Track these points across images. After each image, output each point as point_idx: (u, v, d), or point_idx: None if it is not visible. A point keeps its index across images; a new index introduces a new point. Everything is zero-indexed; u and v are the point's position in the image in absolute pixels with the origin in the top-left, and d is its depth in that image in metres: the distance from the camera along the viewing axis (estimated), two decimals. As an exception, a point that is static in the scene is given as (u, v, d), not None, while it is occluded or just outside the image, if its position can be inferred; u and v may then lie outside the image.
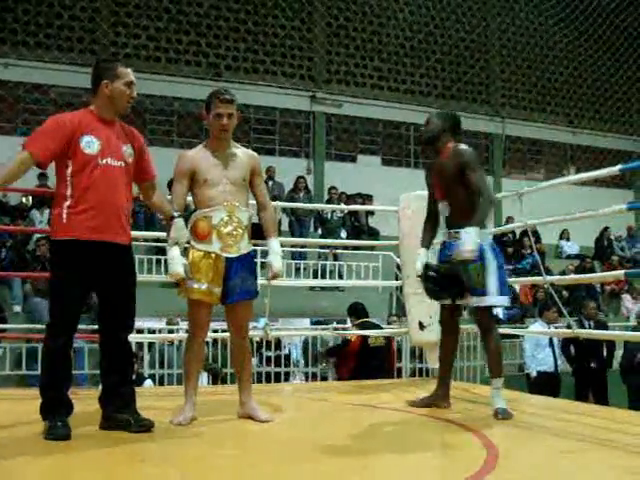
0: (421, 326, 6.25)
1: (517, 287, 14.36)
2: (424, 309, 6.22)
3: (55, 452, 3.36)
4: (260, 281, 4.54)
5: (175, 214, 4.09)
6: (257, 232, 4.36)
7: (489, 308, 4.65)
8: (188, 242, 4.20)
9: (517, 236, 16.80)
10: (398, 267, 7.76)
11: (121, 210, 3.81)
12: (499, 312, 13.39)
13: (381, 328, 8.62)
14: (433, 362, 6.40)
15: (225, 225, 4.15)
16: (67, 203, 3.72)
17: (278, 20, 17.33)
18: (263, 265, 4.70)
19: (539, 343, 10.11)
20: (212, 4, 16.81)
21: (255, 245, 4.41)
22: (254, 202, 4.48)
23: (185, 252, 4.16)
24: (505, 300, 4.70)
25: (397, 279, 9.60)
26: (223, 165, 4.22)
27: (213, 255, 4.15)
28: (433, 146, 4.81)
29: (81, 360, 9.02)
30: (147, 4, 16.25)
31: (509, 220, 15.59)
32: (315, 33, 17.73)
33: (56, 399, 3.71)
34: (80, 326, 4.00)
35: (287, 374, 10.01)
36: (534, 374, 10.11)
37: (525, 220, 5.58)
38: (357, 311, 8.55)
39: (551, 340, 9.95)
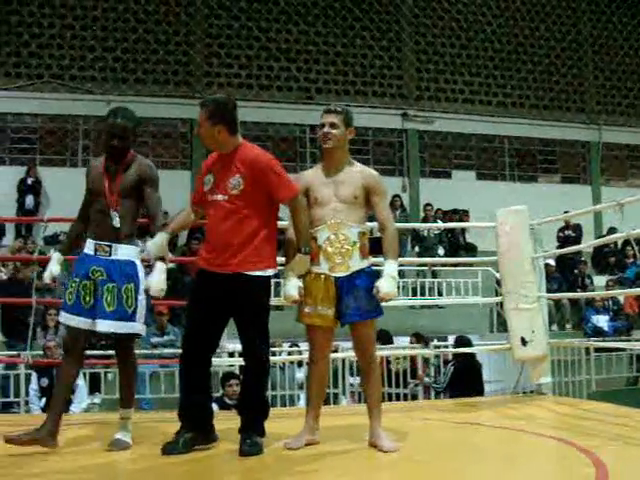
0: (523, 342, 6.18)
1: (621, 298, 14.00)
2: (526, 324, 6.17)
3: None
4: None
5: (303, 250, 4.00)
6: (375, 247, 4.17)
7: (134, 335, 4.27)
8: None
9: (619, 245, 16.40)
10: (498, 282, 7.72)
11: (227, 242, 3.92)
12: (604, 325, 13.11)
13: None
14: (536, 378, 6.33)
15: (331, 244, 4.04)
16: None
17: (366, 41, 17.48)
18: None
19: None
20: (301, 30, 17.09)
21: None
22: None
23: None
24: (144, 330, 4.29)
25: (497, 294, 9.53)
26: (334, 183, 4.13)
27: (323, 276, 4.04)
28: None
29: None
30: (238, 34, 16.65)
31: (611, 231, 15.23)
32: (404, 52, 17.79)
33: (180, 410, 4.02)
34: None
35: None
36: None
37: (628, 230, 5.42)
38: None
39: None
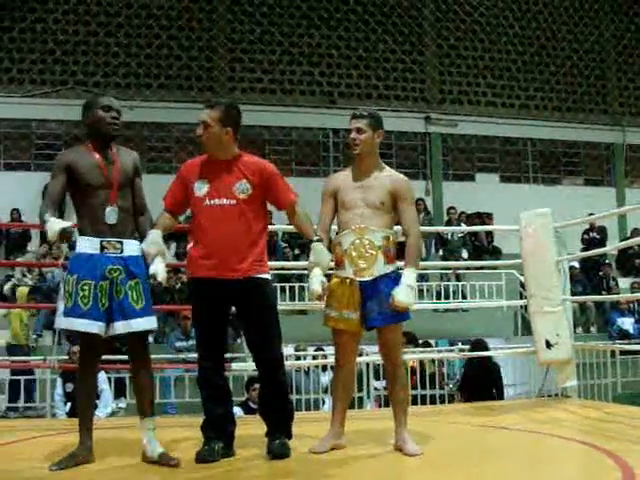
0: (548, 344, 6.15)
1: (647, 300, 13.90)
2: (550, 327, 6.15)
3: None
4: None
5: (314, 238, 4.01)
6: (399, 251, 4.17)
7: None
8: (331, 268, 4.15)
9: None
10: (522, 285, 7.70)
11: (235, 246, 3.90)
12: (630, 327, 13.03)
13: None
14: (561, 381, 6.31)
15: (355, 249, 4.04)
16: (190, 244, 4.07)
17: (389, 45, 17.49)
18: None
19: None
20: (323, 34, 17.13)
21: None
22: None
23: (328, 279, 4.10)
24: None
25: (521, 297, 9.48)
26: (362, 188, 4.14)
27: (348, 280, 4.04)
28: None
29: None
30: (260, 39, 16.73)
31: (635, 233, 15.13)
32: (426, 55, 17.78)
33: (208, 421, 3.99)
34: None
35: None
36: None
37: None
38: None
39: None
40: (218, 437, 3.91)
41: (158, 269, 3.81)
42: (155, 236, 3.87)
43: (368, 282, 4.04)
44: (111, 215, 3.82)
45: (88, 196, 3.83)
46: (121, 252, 3.82)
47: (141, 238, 3.95)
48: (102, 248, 3.79)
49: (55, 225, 3.60)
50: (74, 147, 4.07)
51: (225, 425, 4.00)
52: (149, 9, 16.22)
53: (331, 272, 4.20)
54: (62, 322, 3.78)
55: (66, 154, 3.96)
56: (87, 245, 3.80)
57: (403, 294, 3.93)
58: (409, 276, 4.00)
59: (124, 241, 3.84)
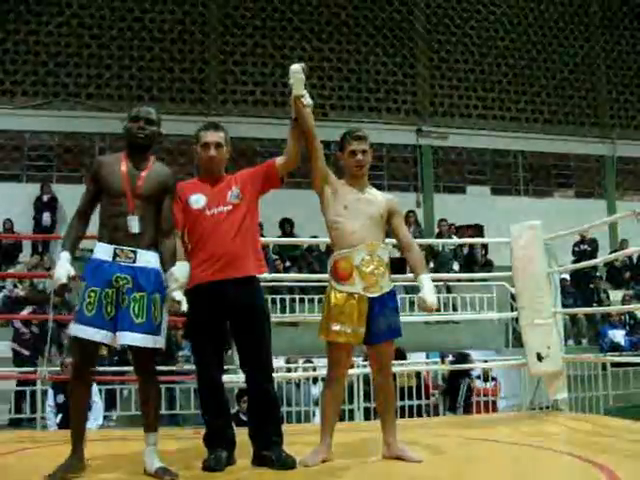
0: (539, 357, 6.17)
1: (638, 313, 13.93)
2: (541, 340, 6.16)
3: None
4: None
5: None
6: (395, 268, 4.35)
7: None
8: (329, 282, 4.23)
9: (635, 260, 16.33)
10: (513, 297, 7.72)
11: (237, 249, 4.04)
12: (621, 340, 13.04)
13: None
14: (552, 394, 6.32)
15: (367, 265, 4.10)
16: (189, 257, 4.08)
17: (380, 57, 17.54)
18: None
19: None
20: (314, 46, 17.18)
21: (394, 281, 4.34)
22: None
23: (326, 293, 4.22)
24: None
25: (512, 310, 9.50)
26: (361, 201, 4.22)
27: (356, 296, 4.09)
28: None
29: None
30: (252, 52, 16.76)
31: (623, 243, 15.17)
32: (417, 68, 17.83)
33: (210, 433, 4.06)
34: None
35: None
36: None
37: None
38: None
39: None
40: (222, 446, 3.98)
41: (184, 299, 3.78)
42: (187, 267, 3.93)
43: (376, 298, 4.13)
44: (132, 223, 3.83)
45: (108, 203, 3.87)
46: (133, 262, 3.79)
47: (161, 261, 3.89)
48: (115, 256, 3.78)
49: (61, 273, 3.71)
50: (113, 154, 4.16)
51: (227, 434, 4.06)
52: (142, 22, 16.25)
53: (326, 284, 4.27)
54: (71, 329, 3.80)
55: (96, 161, 4.07)
56: (101, 251, 3.82)
57: (431, 296, 4.14)
58: (428, 279, 4.20)
59: (138, 251, 3.80)
